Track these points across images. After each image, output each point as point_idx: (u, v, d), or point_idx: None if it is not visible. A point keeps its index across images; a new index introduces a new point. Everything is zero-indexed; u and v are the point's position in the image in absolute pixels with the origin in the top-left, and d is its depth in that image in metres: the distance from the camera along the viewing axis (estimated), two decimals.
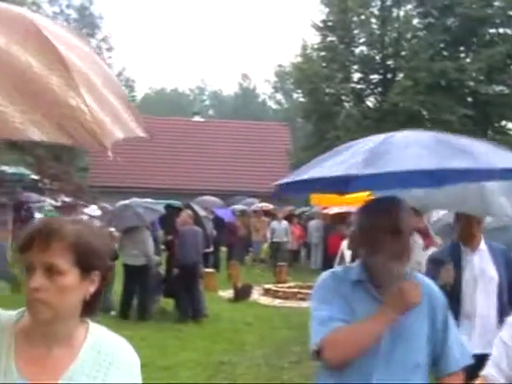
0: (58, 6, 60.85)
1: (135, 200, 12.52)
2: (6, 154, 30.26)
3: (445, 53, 26.96)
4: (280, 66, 63.12)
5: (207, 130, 39.48)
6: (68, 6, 61.22)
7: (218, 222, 19.05)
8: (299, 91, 32.15)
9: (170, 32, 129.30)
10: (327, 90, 28.29)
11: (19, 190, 15.66)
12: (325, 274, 2.76)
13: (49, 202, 23.07)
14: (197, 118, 41.91)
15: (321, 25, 29.01)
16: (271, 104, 74.85)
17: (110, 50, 63.88)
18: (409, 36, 28.01)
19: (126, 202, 12.40)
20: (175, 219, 12.11)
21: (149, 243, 11.52)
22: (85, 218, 24.01)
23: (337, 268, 3.11)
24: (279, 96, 73.02)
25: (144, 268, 11.47)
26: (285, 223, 20.36)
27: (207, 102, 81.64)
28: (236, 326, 11.25)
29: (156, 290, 12.05)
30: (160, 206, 12.89)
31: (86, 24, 61.94)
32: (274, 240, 20.02)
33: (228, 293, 14.89)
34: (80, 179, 34.38)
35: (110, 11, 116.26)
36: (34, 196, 20.70)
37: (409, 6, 28.30)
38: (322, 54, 29.07)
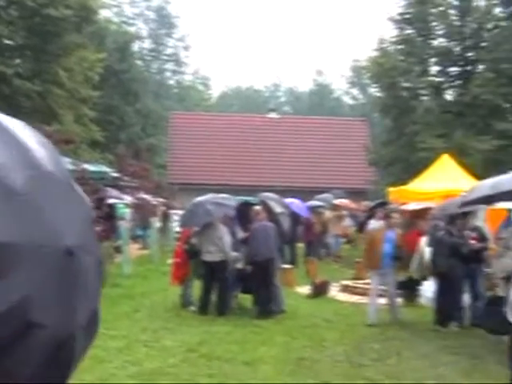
0: (137, 8, 62.17)
1: (210, 196, 12.63)
2: (88, 153, 31.20)
3: None
4: (356, 60, 62.57)
5: (284, 127, 39.54)
6: (148, 8, 62.45)
7: (294, 217, 19.02)
8: (376, 86, 31.75)
9: (245, 30, 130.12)
10: (405, 84, 27.82)
11: (101, 187, 16.05)
12: None
13: (128, 199, 23.60)
14: (273, 115, 41.97)
15: (398, 18, 28.54)
16: (347, 99, 74.27)
17: (186, 48, 64.91)
18: (490, 26, 27.19)
19: (200, 198, 12.54)
20: (251, 215, 12.17)
21: (225, 239, 11.61)
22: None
23: None
24: (355, 91, 72.35)
25: (222, 264, 11.57)
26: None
27: (282, 99, 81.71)
28: (315, 322, 11.21)
29: (234, 286, 12.14)
30: (232, 201, 12.94)
31: (163, 24, 63.06)
32: None
33: (305, 289, 14.86)
34: (159, 176, 35.13)
35: (187, 10, 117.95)
36: (114, 193, 21.19)
37: None
38: (399, 47, 28.59)
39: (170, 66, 65.10)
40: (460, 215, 11.39)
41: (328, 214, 22.63)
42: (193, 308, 11.97)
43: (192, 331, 10.12)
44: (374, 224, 14.25)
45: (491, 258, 9.66)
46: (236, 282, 12.11)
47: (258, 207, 12.46)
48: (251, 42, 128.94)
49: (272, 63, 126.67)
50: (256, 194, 17.05)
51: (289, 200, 20.56)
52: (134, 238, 22.81)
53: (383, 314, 11.16)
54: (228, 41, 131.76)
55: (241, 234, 12.62)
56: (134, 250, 20.14)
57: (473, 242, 11.15)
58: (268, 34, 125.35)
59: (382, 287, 11.57)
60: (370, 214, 20.04)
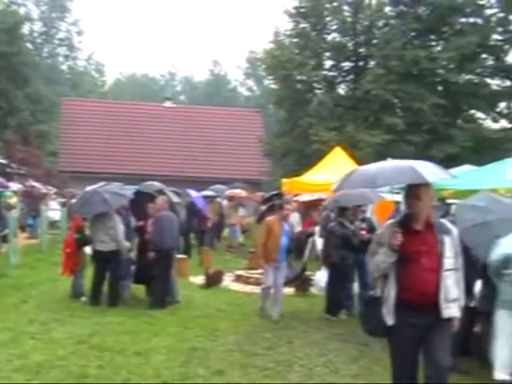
0: None
1: (103, 184, 12.44)
2: None
3: (416, 41, 27.07)
4: (252, 52, 62.90)
5: (179, 116, 39.30)
6: None
7: (191, 208, 18.97)
8: (271, 78, 32.07)
9: (141, 17, 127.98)
10: (299, 77, 28.25)
11: None
12: None
13: (17, 186, 22.75)
14: (168, 104, 41.60)
15: (293, 11, 28.94)
16: (242, 90, 74.64)
17: (80, 33, 63.09)
18: (381, 24, 28.08)
19: (94, 186, 12.30)
20: (145, 205, 12.02)
21: (119, 229, 11.43)
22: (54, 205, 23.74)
23: None
24: (251, 82, 72.84)
25: (114, 254, 11.39)
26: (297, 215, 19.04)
27: (178, 88, 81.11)
28: (208, 312, 11.23)
29: (126, 276, 11.97)
30: (128, 190, 12.76)
31: (55, 7, 61.04)
32: None
33: (199, 279, 14.86)
34: (50, 164, 34.07)
35: None
36: (1, 180, 20.38)
37: None
38: (295, 40, 29.00)
39: (62, 50, 63.13)
40: (352, 207, 11.73)
41: (223, 204, 22.70)
42: (84, 299, 11.72)
43: (83, 322, 9.89)
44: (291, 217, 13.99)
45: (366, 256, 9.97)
46: (129, 272, 11.95)
47: (163, 197, 12.31)
48: (147, 30, 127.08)
49: (168, 51, 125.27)
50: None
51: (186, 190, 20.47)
52: (23, 227, 22.04)
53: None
54: (123, 27, 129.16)
55: (134, 223, 12.46)
56: (21, 239, 19.42)
57: (363, 232, 11.51)
58: (164, 22, 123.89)
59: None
60: (271, 205, 20.25)
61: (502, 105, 28.69)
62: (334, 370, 7.92)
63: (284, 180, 18.75)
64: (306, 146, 25.70)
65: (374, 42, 27.59)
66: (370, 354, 8.59)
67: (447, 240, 5.17)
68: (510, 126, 27.73)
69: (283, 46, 28.82)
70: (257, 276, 15.27)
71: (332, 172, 17.16)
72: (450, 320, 5.18)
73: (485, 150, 22.80)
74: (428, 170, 5.20)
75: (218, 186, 24.55)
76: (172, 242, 11.63)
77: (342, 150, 18.89)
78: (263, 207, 21.36)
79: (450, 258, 5.16)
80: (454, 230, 5.28)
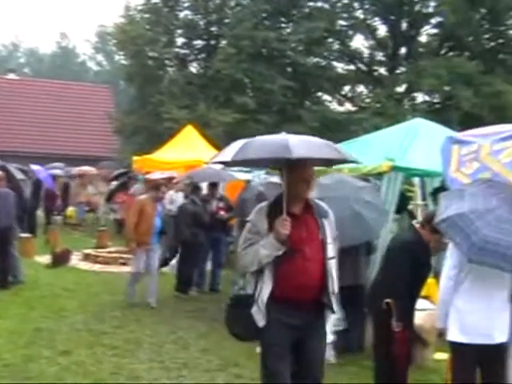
0: None
1: None
2: None
3: (267, 22, 27.49)
4: (101, 26, 61.12)
5: (23, 89, 37.44)
6: None
7: (37, 185, 18.29)
8: (121, 53, 31.36)
9: None
10: (151, 54, 27.82)
11: None
12: None
13: None
14: (11, 76, 39.53)
15: None
16: (92, 65, 72.47)
17: None
18: (233, 3, 28.24)
19: None
20: None
21: None
22: None
23: None
24: (100, 57, 70.87)
25: None
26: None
27: (22, 60, 77.29)
28: (55, 292, 10.90)
29: None
30: None
31: None
32: None
33: (45, 258, 14.38)
34: None
35: None
36: None
37: None
38: (146, 16, 28.49)
39: None
40: (209, 185, 11.84)
41: (71, 181, 22.06)
42: None
43: None
44: (174, 196, 13.58)
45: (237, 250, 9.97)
46: None
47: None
48: None
49: (11, 21, 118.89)
50: None
51: (34, 167, 19.71)
52: None
53: (126, 282, 11.14)
54: None
55: None
56: None
57: (222, 213, 11.64)
58: None
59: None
60: (123, 183, 19.96)
61: (347, 88, 29.99)
62: (183, 346, 7.97)
63: (135, 158, 18.50)
64: (157, 123, 25.42)
65: (226, 21, 27.70)
66: (220, 330, 8.64)
67: (326, 223, 4.52)
68: (354, 108, 28.99)
69: (134, 22, 28.17)
70: (105, 255, 15.05)
71: (183, 150, 17.20)
72: (324, 320, 4.56)
73: (331, 131, 23.64)
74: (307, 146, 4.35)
75: (58, 164, 23.89)
76: (7, 220, 10.95)
77: (193, 128, 18.93)
78: (113, 184, 21.04)
79: (331, 244, 4.51)
80: (331, 213, 4.64)
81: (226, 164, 4.99)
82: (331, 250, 4.48)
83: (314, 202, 4.58)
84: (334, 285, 4.48)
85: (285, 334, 4.41)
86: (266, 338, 4.44)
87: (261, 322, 4.42)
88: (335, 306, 4.51)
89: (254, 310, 4.43)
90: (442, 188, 7.72)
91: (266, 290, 4.39)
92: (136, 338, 8.17)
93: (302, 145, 4.21)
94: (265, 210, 4.49)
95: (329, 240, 4.47)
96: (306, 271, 4.36)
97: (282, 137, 4.47)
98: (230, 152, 4.34)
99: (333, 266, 4.48)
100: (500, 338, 4.72)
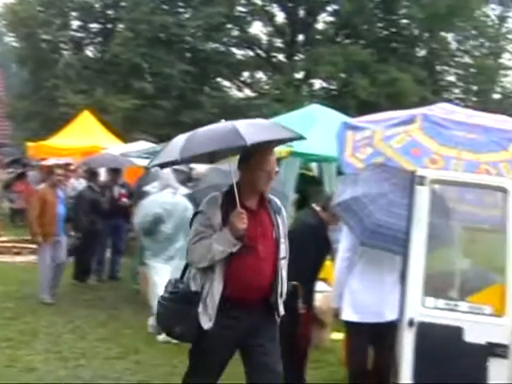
0: None
1: None
2: None
3: (165, 7, 27.17)
4: None
5: None
6: None
7: None
8: (12, 35, 30.17)
9: None
10: (44, 36, 26.90)
11: None
12: None
13: None
14: None
15: None
16: None
17: None
18: None
19: None
20: None
21: None
22: None
23: None
24: None
25: None
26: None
27: None
28: None
29: None
30: None
31: None
32: None
33: None
34: None
35: None
36: None
37: None
38: None
39: None
40: (109, 171, 11.62)
41: None
42: None
43: None
44: (76, 184, 12.97)
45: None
46: None
47: None
48: None
49: None
50: None
51: None
52: None
53: (20, 272, 10.82)
54: None
55: None
56: None
57: (124, 200, 11.45)
58: None
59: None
60: (21, 172, 19.33)
61: (246, 74, 30.14)
62: (81, 335, 7.83)
63: (29, 144, 17.92)
64: (52, 108, 24.65)
65: (123, 4, 27.17)
66: (120, 318, 8.64)
67: (280, 220, 4.20)
68: (253, 94, 29.18)
69: (25, 2, 27.10)
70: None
71: (80, 136, 16.84)
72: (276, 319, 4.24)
73: (230, 116, 23.63)
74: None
75: None
76: None
77: (90, 113, 18.54)
78: (8, 172, 20.34)
79: (283, 244, 4.19)
80: (283, 209, 4.32)
81: (174, 163, 4.19)
82: (283, 250, 4.17)
83: (268, 197, 4.22)
84: (282, 287, 4.18)
85: (228, 341, 4.10)
86: (205, 344, 4.06)
87: (206, 324, 4.00)
88: (281, 310, 4.20)
89: (200, 309, 4.01)
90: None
91: (216, 288, 4.00)
92: (31, 329, 7.95)
93: (251, 129, 3.86)
94: (218, 201, 4.07)
95: (282, 239, 4.17)
96: (260, 270, 4.05)
97: (227, 124, 3.97)
98: (173, 150, 3.86)
99: (283, 266, 4.19)
100: (390, 316, 4.87)
